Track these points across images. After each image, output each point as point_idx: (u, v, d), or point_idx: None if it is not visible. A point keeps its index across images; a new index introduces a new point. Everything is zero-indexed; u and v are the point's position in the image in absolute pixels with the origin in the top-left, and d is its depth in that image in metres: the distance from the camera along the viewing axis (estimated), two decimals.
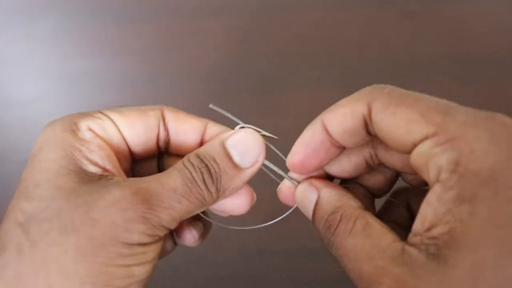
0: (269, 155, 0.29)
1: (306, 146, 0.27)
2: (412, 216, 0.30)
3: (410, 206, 0.30)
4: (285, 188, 0.30)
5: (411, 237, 0.22)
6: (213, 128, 0.30)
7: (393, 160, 0.27)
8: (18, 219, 0.24)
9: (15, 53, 0.64)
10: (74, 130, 0.27)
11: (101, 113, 0.29)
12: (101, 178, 0.25)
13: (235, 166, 0.27)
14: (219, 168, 0.26)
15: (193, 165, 0.26)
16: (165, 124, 0.30)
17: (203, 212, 0.32)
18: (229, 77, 0.61)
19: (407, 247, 0.21)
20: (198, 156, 0.27)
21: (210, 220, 0.32)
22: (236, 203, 0.29)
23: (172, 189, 0.25)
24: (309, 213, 0.27)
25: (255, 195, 0.30)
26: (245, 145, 0.28)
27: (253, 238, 0.51)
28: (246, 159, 0.27)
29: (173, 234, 0.32)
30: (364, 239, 0.23)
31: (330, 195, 0.26)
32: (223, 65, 0.61)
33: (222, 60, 0.62)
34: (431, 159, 0.21)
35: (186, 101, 0.60)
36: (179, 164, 0.27)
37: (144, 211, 0.24)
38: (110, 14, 0.64)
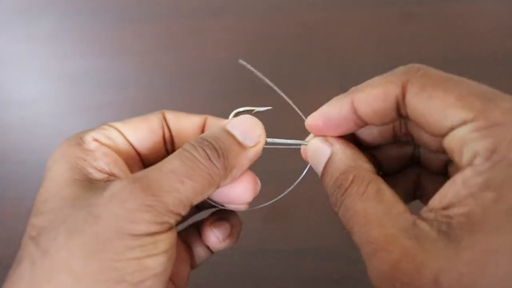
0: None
1: (329, 119, 0.27)
2: (416, 194, 0.30)
3: (421, 183, 0.30)
4: (304, 147, 0.30)
5: (425, 212, 0.22)
6: (212, 121, 0.31)
7: (423, 135, 0.27)
8: (30, 234, 0.24)
9: (15, 53, 0.64)
10: (79, 143, 0.27)
11: (106, 124, 0.29)
12: (106, 182, 0.25)
13: (239, 143, 0.27)
14: (224, 144, 0.26)
15: (193, 146, 0.26)
16: (168, 124, 0.30)
17: (232, 212, 0.32)
18: (229, 77, 0.61)
19: (419, 221, 0.21)
20: (199, 138, 0.26)
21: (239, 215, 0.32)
22: (241, 189, 0.28)
23: (170, 171, 0.24)
24: (319, 168, 0.27)
25: (259, 182, 0.29)
26: (244, 125, 0.28)
27: (254, 237, 0.51)
28: (249, 138, 0.27)
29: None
30: (375, 205, 0.23)
31: (344, 153, 0.26)
32: (223, 65, 0.61)
33: (222, 60, 0.62)
34: (468, 144, 0.21)
35: (186, 101, 0.60)
36: (178, 150, 0.26)
37: (145, 199, 0.23)
38: (110, 14, 0.64)
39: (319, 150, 0.27)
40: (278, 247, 0.53)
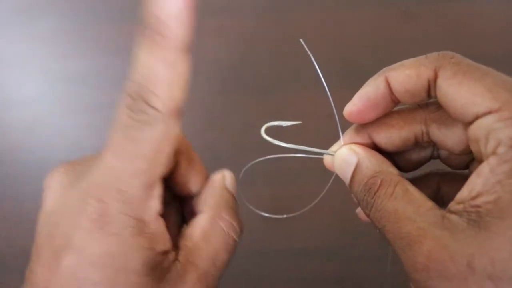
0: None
1: (367, 99, 0.27)
2: (437, 201, 0.31)
3: (440, 190, 0.31)
4: (328, 158, 0.31)
5: (453, 205, 0.23)
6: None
7: (445, 138, 0.28)
8: None
9: (15, 53, 0.64)
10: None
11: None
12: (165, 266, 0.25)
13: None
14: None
15: (230, 233, 0.28)
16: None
17: None
18: (229, 77, 0.61)
19: (448, 214, 0.23)
20: (230, 218, 0.28)
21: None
22: None
23: (223, 267, 0.27)
24: (347, 176, 0.28)
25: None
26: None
27: (253, 237, 0.51)
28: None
29: None
30: (405, 203, 0.24)
31: (370, 160, 0.27)
32: (223, 65, 0.61)
33: (222, 60, 0.62)
34: (492, 132, 0.22)
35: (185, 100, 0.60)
36: (220, 233, 0.27)
37: None
38: (110, 14, 0.64)
39: (345, 160, 0.28)
40: (278, 247, 0.53)
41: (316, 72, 0.30)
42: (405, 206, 0.24)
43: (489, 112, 0.22)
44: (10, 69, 0.63)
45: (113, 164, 0.24)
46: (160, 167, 0.24)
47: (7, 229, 0.53)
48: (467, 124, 0.24)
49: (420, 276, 0.22)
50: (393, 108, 0.28)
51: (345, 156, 0.29)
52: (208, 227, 0.27)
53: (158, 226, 0.25)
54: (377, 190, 0.25)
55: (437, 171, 0.31)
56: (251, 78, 0.60)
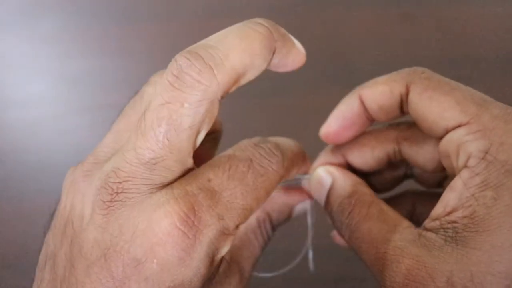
0: None
1: (343, 119, 0.28)
2: (412, 222, 0.31)
3: (415, 210, 0.31)
4: (305, 181, 0.31)
5: (429, 222, 0.23)
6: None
7: (417, 156, 0.28)
8: None
9: (17, 53, 0.64)
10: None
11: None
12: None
13: None
14: None
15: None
16: None
17: None
18: None
19: (424, 232, 0.22)
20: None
21: None
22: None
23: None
24: (322, 197, 0.28)
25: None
26: None
27: None
28: None
29: None
30: (380, 224, 0.24)
31: (345, 181, 0.28)
32: None
33: None
34: (462, 146, 0.22)
35: None
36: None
37: None
38: (111, 14, 0.65)
39: (320, 181, 0.29)
40: (277, 247, 0.53)
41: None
42: (380, 226, 0.24)
43: (459, 126, 0.23)
44: (12, 69, 0.63)
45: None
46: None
47: (7, 229, 0.53)
48: (439, 139, 0.24)
49: None
50: (369, 126, 0.28)
51: (319, 177, 0.29)
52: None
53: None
54: (351, 211, 0.25)
55: (412, 191, 0.32)
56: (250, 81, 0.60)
